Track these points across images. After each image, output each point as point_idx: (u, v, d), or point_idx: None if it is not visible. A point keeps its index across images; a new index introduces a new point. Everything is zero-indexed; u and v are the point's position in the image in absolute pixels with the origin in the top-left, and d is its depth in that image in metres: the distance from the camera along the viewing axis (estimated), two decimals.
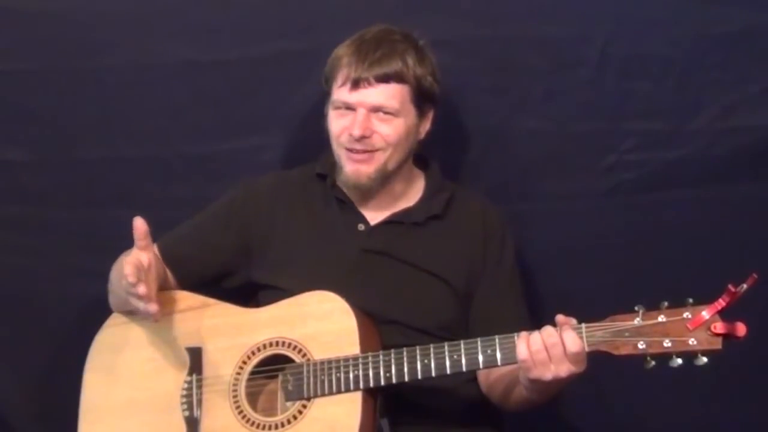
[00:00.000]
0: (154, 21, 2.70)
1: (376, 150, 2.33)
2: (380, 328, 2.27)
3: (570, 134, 2.64)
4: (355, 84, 2.31)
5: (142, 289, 2.15)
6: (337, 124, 2.35)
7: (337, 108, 2.35)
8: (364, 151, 2.33)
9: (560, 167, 2.66)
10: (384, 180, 2.37)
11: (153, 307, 2.18)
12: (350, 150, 2.33)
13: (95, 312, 2.48)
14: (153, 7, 2.70)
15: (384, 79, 2.31)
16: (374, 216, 2.41)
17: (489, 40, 2.64)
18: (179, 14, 2.70)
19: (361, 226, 2.40)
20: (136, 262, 2.19)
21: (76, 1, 2.71)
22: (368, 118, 2.31)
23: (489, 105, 2.66)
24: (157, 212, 2.39)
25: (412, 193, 2.45)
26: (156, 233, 2.34)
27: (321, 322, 2.23)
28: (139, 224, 2.24)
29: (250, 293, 2.43)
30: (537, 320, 2.24)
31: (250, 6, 2.69)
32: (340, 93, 2.33)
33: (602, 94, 2.62)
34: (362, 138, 2.31)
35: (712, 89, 2.59)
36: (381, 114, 2.32)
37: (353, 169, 2.34)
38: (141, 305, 2.19)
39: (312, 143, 2.51)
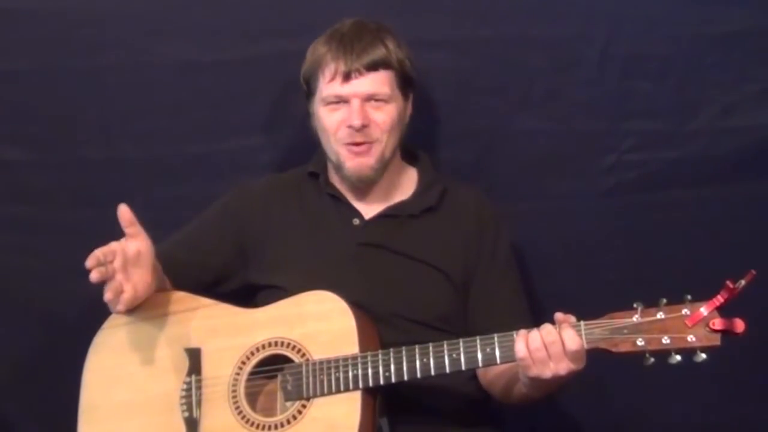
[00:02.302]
0: (154, 21, 2.71)
1: (374, 141, 2.34)
2: (379, 321, 2.26)
3: (570, 134, 2.64)
4: (347, 76, 2.32)
5: (94, 275, 2.13)
6: (331, 119, 2.35)
7: (329, 103, 2.35)
8: (364, 143, 2.33)
9: (560, 167, 2.66)
10: (383, 169, 2.37)
11: (114, 297, 2.18)
12: (349, 144, 2.34)
13: (95, 312, 2.46)
14: (153, 7, 2.70)
15: (373, 66, 2.33)
16: (369, 210, 2.41)
17: (489, 40, 2.64)
18: (179, 14, 2.71)
19: (356, 221, 2.40)
20: (108, 250, 2.16)
21: (76, 0, 2.72)
22: (363, 107, 2.32)
23: (489, 105, 2.66)
24: (157, 212, 2.39)
25: (405, 186, 2.45)
26: (156, 233, 2.33)
27: (320, 322, 2.23)
28: (124, 211, 2.20)
29: (248, 294, 2.43)
30: (536, 320, 2.24)
31: (250, 6, 2.69)
32: (331, 88, 2.34)
33: (602, 94, 2.62)
34: (363, 127, 2.32)
35: (712, 89, 2.60)
36: (373, 102, 2.33)
37: (355, 163, 2.35)
38: (107, 294, 2.18)
39: (311, 144, 2.50)
